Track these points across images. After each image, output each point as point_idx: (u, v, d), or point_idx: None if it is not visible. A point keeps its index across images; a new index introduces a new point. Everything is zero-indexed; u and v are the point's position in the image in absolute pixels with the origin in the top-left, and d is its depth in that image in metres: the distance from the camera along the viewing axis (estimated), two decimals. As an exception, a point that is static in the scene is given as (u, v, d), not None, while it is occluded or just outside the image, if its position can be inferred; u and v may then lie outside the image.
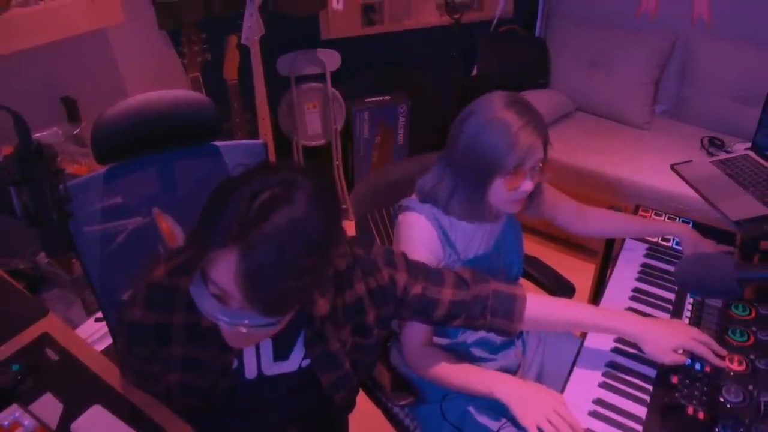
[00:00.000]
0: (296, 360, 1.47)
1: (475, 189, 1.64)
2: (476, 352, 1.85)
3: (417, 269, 1.54)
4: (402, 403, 1.75)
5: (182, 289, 1.33)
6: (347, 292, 1.45)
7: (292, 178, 1.13)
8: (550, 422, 1.41)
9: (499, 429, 1.68)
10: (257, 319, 1.15)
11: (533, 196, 1.74)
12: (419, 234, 1.71)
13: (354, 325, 1.48)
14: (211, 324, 1.28)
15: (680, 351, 1.50)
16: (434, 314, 1.53)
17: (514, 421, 1.64)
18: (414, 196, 1.77)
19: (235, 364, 1.43)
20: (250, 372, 1.46)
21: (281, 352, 1.45)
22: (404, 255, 1.57)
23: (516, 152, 1.54)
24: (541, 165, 1.60)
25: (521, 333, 1.95)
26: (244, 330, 1.16)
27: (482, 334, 1.77)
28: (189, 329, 1.36)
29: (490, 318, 1.55)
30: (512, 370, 1.88)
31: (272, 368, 1.47)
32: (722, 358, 1.53)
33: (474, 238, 1.79)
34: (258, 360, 1.45)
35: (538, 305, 1.60)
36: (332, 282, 1.42)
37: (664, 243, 2.04)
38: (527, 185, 1.60)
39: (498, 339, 1.85)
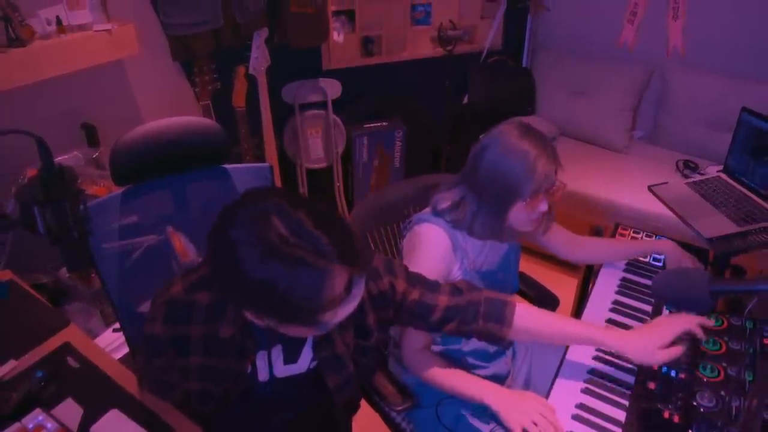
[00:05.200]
0: (305, 362, 1.49)
1: (497, 212, 1.67)
2: (470, 360, 1.86)
3: (415, 278, 1.56)
4: (399, 408, 1.75)
5: (200, 303, 1.34)
6: None
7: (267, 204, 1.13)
8: (535, 424, 1.42)
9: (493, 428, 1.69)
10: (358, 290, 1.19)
11: (546, 216, 1.76)
12: (435, 242, 1.73)
13: (355, 327, 1.50)
14: (229, 334, 1.32)
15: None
16: (431, 318, 1.54)
17: (504, 426, 1.67)
18: (428, 210, 1.79)
19: (249, 369, 1.44)
20: (263, 375, 1.47)
21: (291, 356, 1.47)
22: (404, 265, 1.58)
23: (534, 180, 1.58)
24: (554, 187, 1.64)
25: (511, 343, 1.96)
26: (357, 301, 1.20)
27: (477, 343, 1.78)
28: (207, 340, 1.36)
29: (482, 323, 1.54)
30: (503, 377, 1.89)
31: (283, 371, 1.48)
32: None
33: (482, 253, 1.81)
34: (270, 364, 1.46)
35: (527, 314, 1.59)
36: None
37: (642, 259, 2.06)
38: (543, 207, 1.64)
39: (491, 348, 1.86)
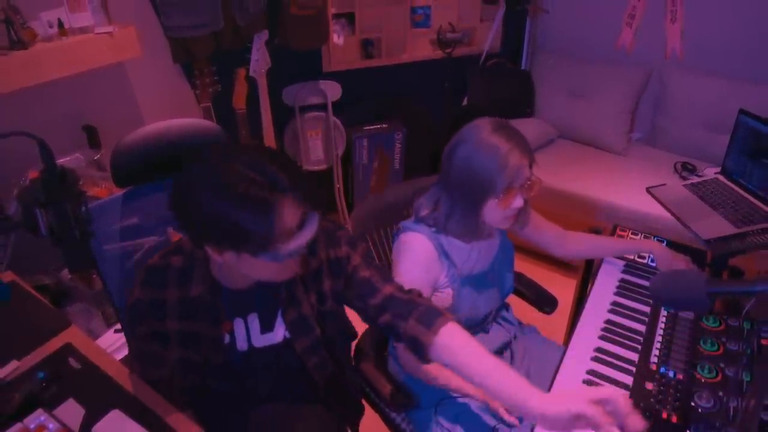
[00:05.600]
0: (280, 332, 1.54)
1: (471, 210, 1.66)
2: None
3: (372, 261, 1.59)
4: (397, 408, 1.76)
5: (173, 266, 1.47)
6: (312, 259, 1.52)
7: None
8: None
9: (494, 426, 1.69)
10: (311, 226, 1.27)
11: (522, 212, 1.75)
12: (418, 250, 1.72)
13: (316, 292, 1.55)
14: (199, 293, 1.42)
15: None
16: (371, 301, 1.51)
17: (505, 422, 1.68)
18: (412, 218, 1.79)
19: (228, 339, 1.51)
20: (242, 344, 1.53)
21: (267, 325, 1.53)
22: (366, 247, 1.62)
23: (506, 174, 1.56)
24: (529, 182, 1.61)
25: (508, 345, 1.95)
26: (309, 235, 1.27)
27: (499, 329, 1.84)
28: (181, 303, 1.45)
29: (412, 323, 1.42)
30: None
31: (260, 340, 1.54)
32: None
33: (470, 257, 1.79)
34: (248, 333, 1.52)
35: (456, 333, 1.39)
36: None
37: (640, 260, 2.06)
38: (518, 202, 1.61)
39: (487, 347, 1.85)
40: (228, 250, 1.26)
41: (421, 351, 1.41)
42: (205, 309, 1.45)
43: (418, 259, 1.72)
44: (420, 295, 1.52)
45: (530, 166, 1.61)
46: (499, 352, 1.91)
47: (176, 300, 1.45)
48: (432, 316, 1.42)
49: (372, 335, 2.06)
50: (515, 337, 1.97)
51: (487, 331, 1.92)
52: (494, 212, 1.64)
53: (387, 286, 1.52)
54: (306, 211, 1.27)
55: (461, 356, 1.35)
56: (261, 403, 1.64)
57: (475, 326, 1.88)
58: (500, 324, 1.97)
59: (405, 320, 1.44)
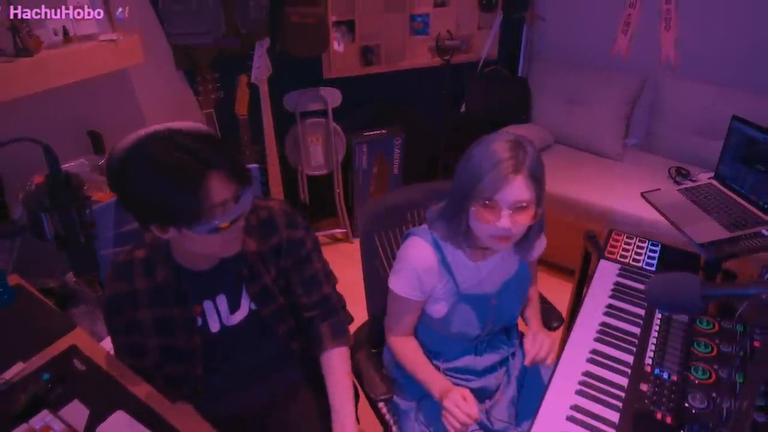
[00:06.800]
0: (245, 305, 1.61)
1: (456, 211, 1.60)
2: (459, 375, 1.86)
3: (321, 254, 1.75)
4: (380, 397, 1.78)
5: (137, 259, 1.53)
6: (272, 237, 1.61)
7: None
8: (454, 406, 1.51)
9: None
10: (242, 200, 1.35)
11: (523, 241, 1.67)
12: (417, 255, 1.69)
13: (275, 267, 1.63)
14: (164, 277, 1.49)
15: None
16: (310, 297, 1.71)
17: (483, 425, 1.72)
18: (424, 225, 1.76)
19: (200, 322, 1.57)
20: (215, 326, 1.59)
21: (234, 303, 1.60)
22: (317, 238, 1.75)
23: (489, 179, 1.48)
24: (524, 206, 1.51)
25: (507, 361, 1.91)
26: (240, 210, 1.35)
27: (468, 361, 1.82)
28: (151, 292, 1.52)
29: (325, 328, 1.72)
30: (491, 391, 1.86)
31: (231, 319, 1.61)
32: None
33: (474, 276, 1.74)
34: (218, 315, 1.59)
35: (340, 356, 1.70)
36: (257, 228, 1.60)
37: (635, 264, 2.06)
38: (504, 222, 1.50)
39: (479, 365, 1.84)
40: (169, 227, 1.33)
41: (316, 350, 1.72)
42: (173, 293, 1.52)
43: (414, 265, 1.69)
44: (343, 305, 1.79)
45: (536, 194, 1.52)
46: (493, 367, 1.88)
47: (146, 290, 1.52)
48: (338, 328, 1.73)
49: (371, 327, 2.08)
50: (513, 354, 1.92)
51: (481, 355, 1.85)
52: (478, 223, 1.55)
53: (326, 285, 1.73)
54: (237, 186, 1.33)
55: (330, 378, 1.67)
56: (247, 384, 1.73)
57: (466, 342, 1.83)
58: (496, 350, 1.88)
59: (322, 321, 1.72)
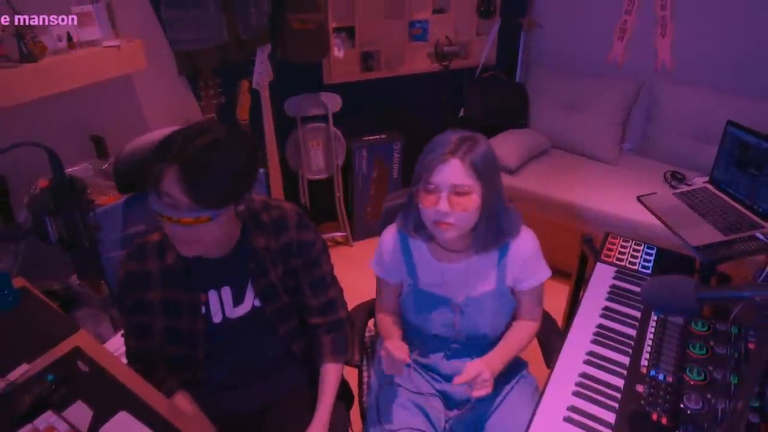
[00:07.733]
0: (250, 300, 1.64)
1: (411, 198, 1.69)
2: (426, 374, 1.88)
3: (329, 258, 1.78)
4: (356, 361, 1.89)
5: (152, 242, 1.60)
6: (282, 235, 1.64)
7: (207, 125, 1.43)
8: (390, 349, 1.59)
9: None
10: (193, 212, 1.38)
11: (476, 240, 1.69)
12: (383, 238, 1.84)
13: (282, 266, 1.66)
14: (173, 260, 1.55)
15: None
16: (318, 298, 1.74)
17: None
18: None
19: (203, 310, 1.61)
20: (217, 317, 1.63)
21: (238, 298, 1.63)
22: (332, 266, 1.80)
23: (429, 160, 1.57)
24: (464, 191, 1.55)
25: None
26: (187, 220, 1.38)
27: (437, 359, 1.83)
28: (162, 273, 1.58)
29: (327, 339, 1.76)
30: (456, 400, 1.82)
31: (234, 312, 1.64)
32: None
33: (437, 275, 1.76)
34: (222, 306, 1.62)
35: (332, 372, 1.73)
36: (268, 226, 1.64)
37: (631, 267, 2.06)
38: (443, 205, 1.55)
39: (446, 369, 1.84)
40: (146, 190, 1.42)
41: (315, 359, 1.77)
42: (181, 277, 1.58)
43: (381, 246, 1.84)
44: (352, 323, 1.87)
45: (469, 180, 1.55)
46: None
47: (156, 271, 1.58)
48: (339, 348, 1.76)
49: (367, 310, 2.13)
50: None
51: (449, 359, 1.84)
52: (422, 208, 1.62)
53: (333, 289, 1.78)
54: (189, 200, 1.36)
55: (319, 388, 1.72)
56: (248, 382, 1.74)
57: (439, 341, 1.82)
58: (467, 360, 1.72)
59: (326, 334, 1.76)
